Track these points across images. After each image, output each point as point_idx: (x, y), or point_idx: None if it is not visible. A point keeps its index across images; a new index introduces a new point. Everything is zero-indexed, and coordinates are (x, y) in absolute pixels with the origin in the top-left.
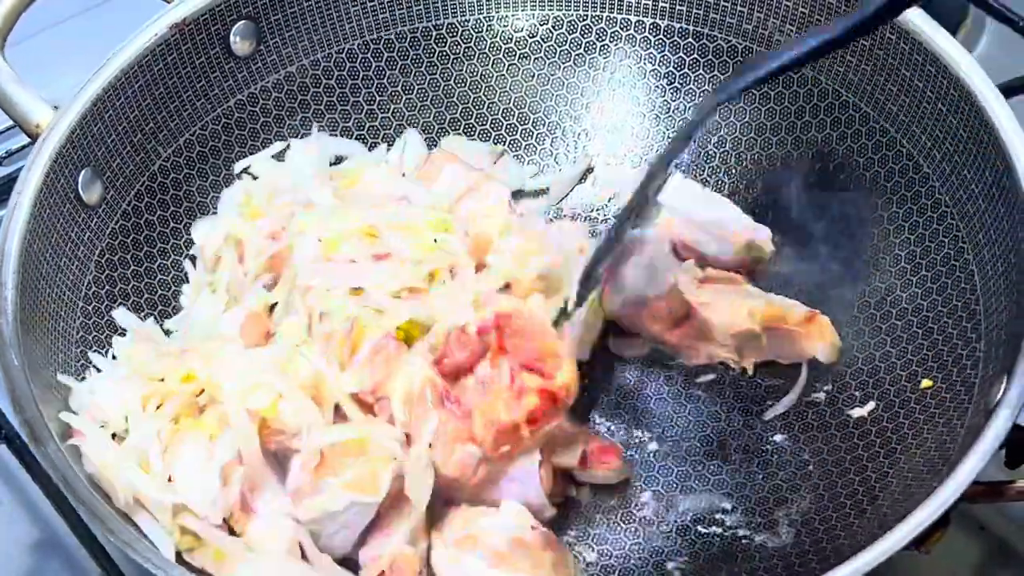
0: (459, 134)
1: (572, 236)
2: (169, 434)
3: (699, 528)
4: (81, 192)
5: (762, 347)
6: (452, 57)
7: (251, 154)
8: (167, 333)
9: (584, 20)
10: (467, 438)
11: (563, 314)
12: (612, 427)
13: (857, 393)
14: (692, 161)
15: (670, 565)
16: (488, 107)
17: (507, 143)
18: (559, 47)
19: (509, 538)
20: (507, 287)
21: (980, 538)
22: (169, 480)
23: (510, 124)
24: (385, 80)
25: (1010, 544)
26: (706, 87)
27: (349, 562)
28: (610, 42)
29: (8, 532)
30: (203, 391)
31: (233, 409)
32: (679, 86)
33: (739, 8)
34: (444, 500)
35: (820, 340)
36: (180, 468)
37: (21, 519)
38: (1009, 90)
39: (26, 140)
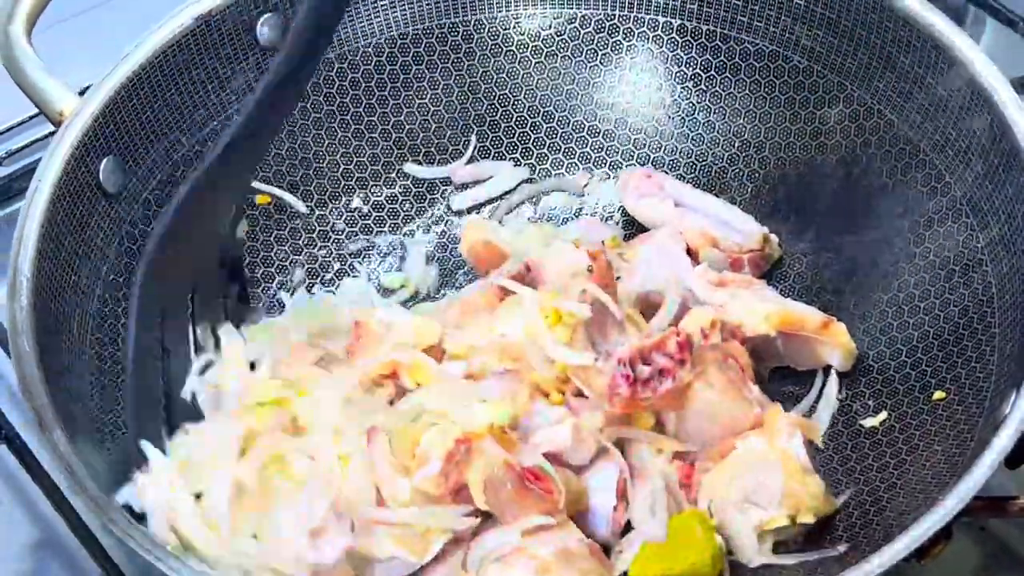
0: (483, 130)
1: (599, 232)
2: (258, 484)
3: None
4: (102, 180)
5: (778, 352)
6: (478, 54)
7: (275, 147)
8: None
9: (611, 20)
10: (546, 511)
11: None
12: None
13: (870, 403)
14: (715, 163)
15: None
16: (513, 104)
17: (531, 141)
18: (585, 46)
19: (555, 549)
20: None
21: (981, 539)
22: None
23: (535, 122)
24: (410, 75)
25: (1011, 546)
26: (732, 90)
27: None
28: (636, 42)
29: (8, 532)
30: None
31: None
32: (704, 88)
33: (766, 12)
34: None
35: (836, 347)
36: (268, 527)
37: (21, 519)
38: None
39: (34, 136)
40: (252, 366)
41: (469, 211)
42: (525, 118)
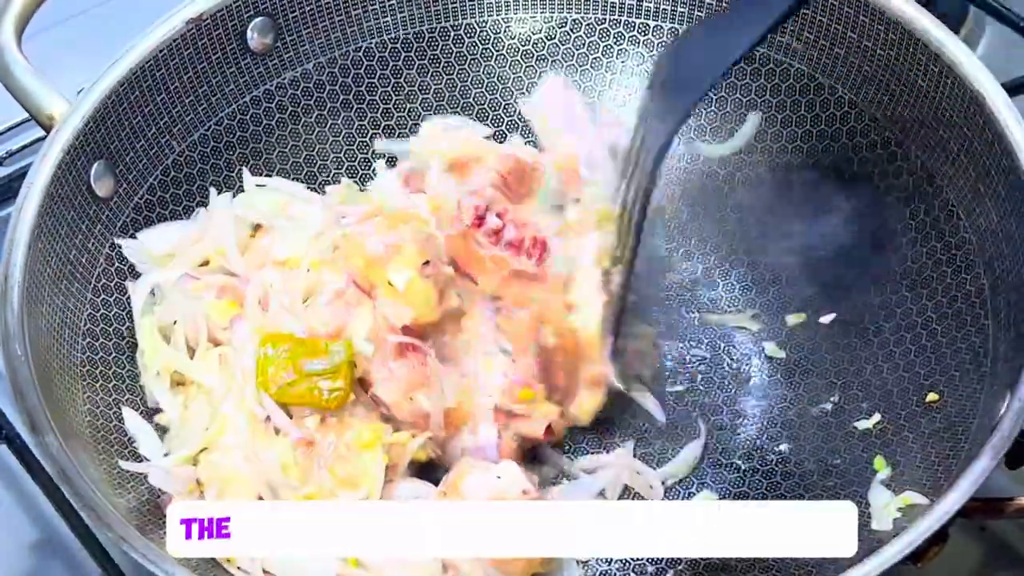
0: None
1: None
2: None
3: None
4: (93, 184)
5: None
6: (469, 58)
7: (266, 152)
8: None
9: (602, 24)
10: (422, 384)
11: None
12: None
13: (864, 405)
14: None
15: (669, 573)
16: (504, 108)
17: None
18: (576, 50)
19: (490, 492)
20: None
21: (981, 538)
22: None
23: (526, 127)
24: (402, 79)
25: (1010, 545)
26: (722, 94)
27: None
28: (627, 46)
29: (8, 532)
30: None
31: None
32: None
33: None
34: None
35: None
36: None
37: (21, 519)
38: (1010, 90)
39: (30, 138)
40: None
41: None
42: (517, 123)
